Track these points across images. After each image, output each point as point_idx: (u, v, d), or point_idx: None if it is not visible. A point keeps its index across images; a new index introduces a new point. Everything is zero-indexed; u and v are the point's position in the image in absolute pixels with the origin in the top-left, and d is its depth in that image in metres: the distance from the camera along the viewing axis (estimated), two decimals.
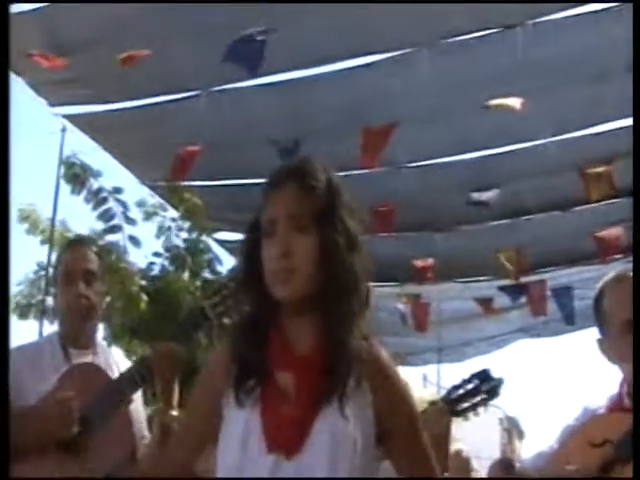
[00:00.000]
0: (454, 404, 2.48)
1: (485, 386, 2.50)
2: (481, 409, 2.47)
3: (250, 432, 1.57)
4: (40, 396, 2.41)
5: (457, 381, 2.54)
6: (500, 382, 2.49)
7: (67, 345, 2.58)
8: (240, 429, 1.59)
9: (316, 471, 1.51)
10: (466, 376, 2.54)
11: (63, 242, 2.92)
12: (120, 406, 2.42)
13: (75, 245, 2.76)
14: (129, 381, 2.42)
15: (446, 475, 2.44)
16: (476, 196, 6.36)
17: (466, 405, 2.48)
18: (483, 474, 2.83)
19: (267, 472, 1.52)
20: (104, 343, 2.81)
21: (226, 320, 2.37)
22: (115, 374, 2.54)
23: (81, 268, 2.58)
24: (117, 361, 2.70)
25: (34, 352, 2.56)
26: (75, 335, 2.60)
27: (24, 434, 2.24)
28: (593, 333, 2.07)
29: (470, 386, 2.50)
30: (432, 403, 2.49)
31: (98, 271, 2.62)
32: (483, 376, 2.52)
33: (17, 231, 6.87)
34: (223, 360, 1.68)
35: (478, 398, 2.49)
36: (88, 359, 2.58)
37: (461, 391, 2.50)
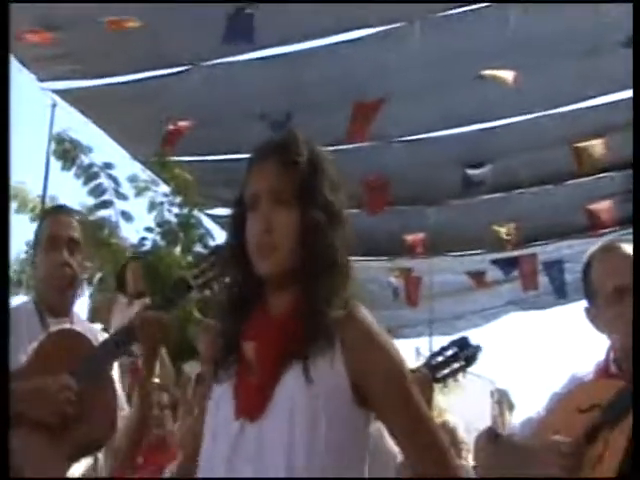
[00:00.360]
0: (434, 371, 2.48)
1: (463, 353, 2.50)
2: (460, 376, 2.47)
3: (222, 402, 1.62)
4: (18, 363, 2.39)
5: (436, 349, 2.54)
6: (478, 349, 2.50)
7: (44, 313, 2.54)
8: (217, 398, 1.64)
9: (276, 435, 1.52)
10: (445, 344, 2.55)
11: (46, 210, 2.84)
12: (105, 372, 2.42)
13: (59, 212, 2.69)
14: (114, 347, 2.42)
15: None
16: (471, 174, 6.36)
17: (446, 372, 2.49)
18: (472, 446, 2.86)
19: (233, 436, 1.56)
20: (79, 313, 2.75)
21: (207, 291, 2.39)
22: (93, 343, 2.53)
23: (66, 235, 2.54)
24: (93, 331, 2.67)
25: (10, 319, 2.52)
26: (53, 303, 2.55)
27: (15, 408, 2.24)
28: (584, 306, 2.08)
29: (449, 353, 2.50)
30: (413, 371, 2.48)
31: (81, 241, 2.60)
32: (461, 343, 2.52)
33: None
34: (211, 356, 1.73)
35: (457, 365, 2.49)
36: (66, 327, 2.57)
37: (440, 358, 2.50)
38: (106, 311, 5.65)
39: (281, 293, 1.64)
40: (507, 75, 4.89)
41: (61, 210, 2.76)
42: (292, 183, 1.62)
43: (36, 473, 2.26)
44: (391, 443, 2.66)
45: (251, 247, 1.63)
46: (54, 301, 2.56)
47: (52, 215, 2.70)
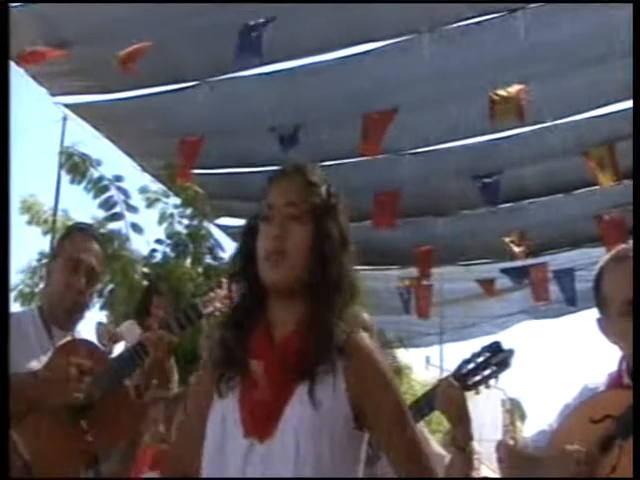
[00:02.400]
0: (465, 378, 2.44)
1: (495, 358, 2.44)
2: (492, 382, 2.42)
3: (229, 417, 1.65)
4: (29, 369, 2.42)
5: (467, 355, 2.50)
6: (511, 353, 2.44)
7: (49, 323, 2.61)
8: (220, 415, 1.66)
9: (285, 454, 1.57)
10: (477, 349, 2.48)
11: (68, 228, 2.90)
12: (121, 384, 2.47)
13: (85, 234, 2.74)
14: (129, 360, 2.50)
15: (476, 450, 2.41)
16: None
17: (477, 379, 2.44)
18: (484, 456, 2.85)
19: (242, 454, 1.60)
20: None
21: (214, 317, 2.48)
22: None
23: (87, 263, 2.61)
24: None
25: (16, 326, 2.50)
26: (60, 319, 2.62)
27: (32, 394, 2.28)
28: (595, 314, 2.07)
29: (480, 359, 2.46)
30: (442, 380, 2.46)
31: (99, 269, 2.67)
32: (494, 348, 2.46)
33: (19, 222, 6.92)
34: (210, 365, 1.74)
35: (488, 371, 2.43)
36: (79, 337, 2.63)
37: (471, 365, 2.45)
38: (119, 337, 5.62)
39: (285, 309, 1.67)
40: (516, 98, 4.94)
41: (86, 232, 2.81)
42: (309, 201, 1.68)
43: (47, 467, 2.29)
44: (437, 446, 2.72)
45: (261, 254, 1.66)
46: (61, 318, 2.64)
47: (78, 236, 2.73)
